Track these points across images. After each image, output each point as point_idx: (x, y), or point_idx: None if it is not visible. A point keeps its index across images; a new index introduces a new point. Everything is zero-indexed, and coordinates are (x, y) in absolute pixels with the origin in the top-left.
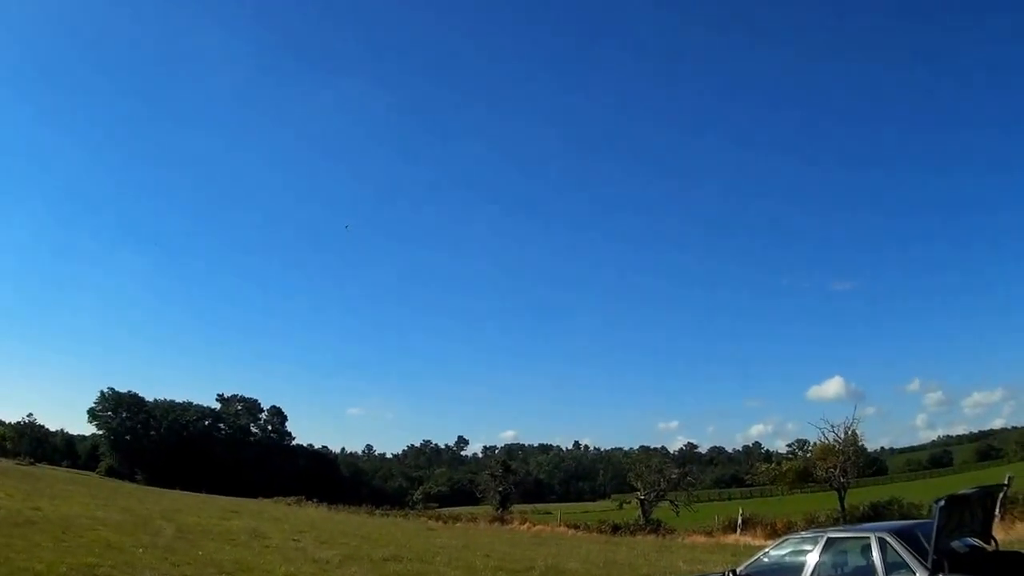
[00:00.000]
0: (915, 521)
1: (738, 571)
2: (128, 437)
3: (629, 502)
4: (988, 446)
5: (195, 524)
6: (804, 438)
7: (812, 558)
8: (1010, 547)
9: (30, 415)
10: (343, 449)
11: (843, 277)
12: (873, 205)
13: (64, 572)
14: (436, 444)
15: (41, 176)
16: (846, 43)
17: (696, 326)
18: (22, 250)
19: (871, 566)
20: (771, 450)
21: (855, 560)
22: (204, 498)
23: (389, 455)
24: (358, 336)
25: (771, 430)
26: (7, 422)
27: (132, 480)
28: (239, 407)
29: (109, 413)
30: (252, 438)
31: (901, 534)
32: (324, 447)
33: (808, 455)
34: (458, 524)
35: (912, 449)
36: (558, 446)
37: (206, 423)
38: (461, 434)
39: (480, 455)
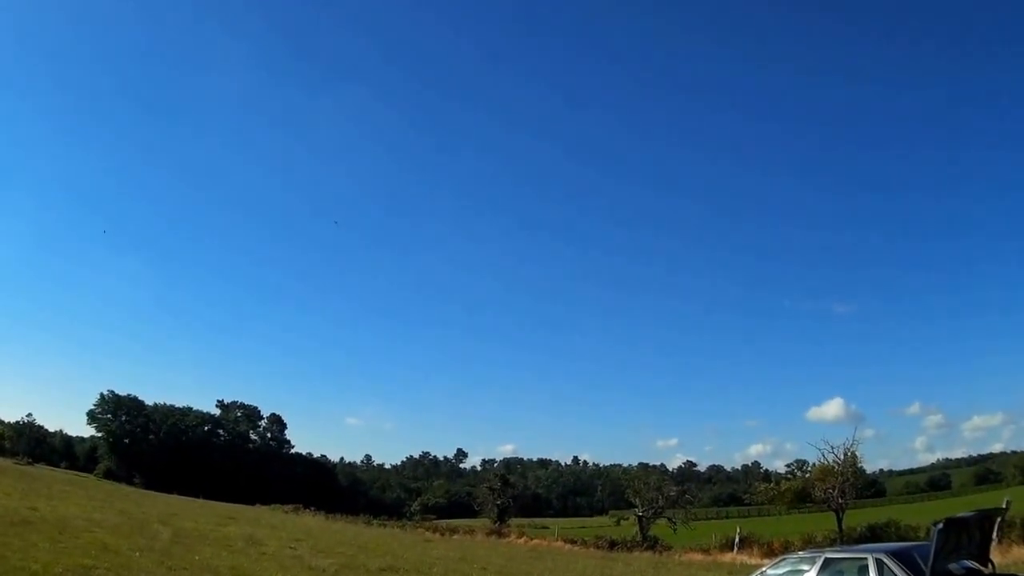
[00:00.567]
0: (912, 543)
1: None
2: (127, 440)
3: (627, 518)
4: (987, 470)
5: (192, 529)
6: (803, 458)
7: None
8: (1007, 570)
9: (29, 415)
10: (342, 458)
11: (845, 299)
12: (875, 227)
13: (60, 573)
14: (435, 456)
15: (45, 178)
16: (850, 64)
17: (697, 345)
18: (24, 252)
19: None
20: (770, 470)
21: None
22: (201, 503)
23: (388, 466)
24: (359, 346)
25: (770, 450)
26: (6, 421)
27: (130, 483)
28: (239, 414)
29: (108, 416)
30: (251, 445)
31: (898, 556)
32: (323, 456)
33: (807, 475)
34: (455, 536)
35: (911, 472)
36: (557, 461)
37: (205, 429)
38: (460, 447)
39: (479, 468)
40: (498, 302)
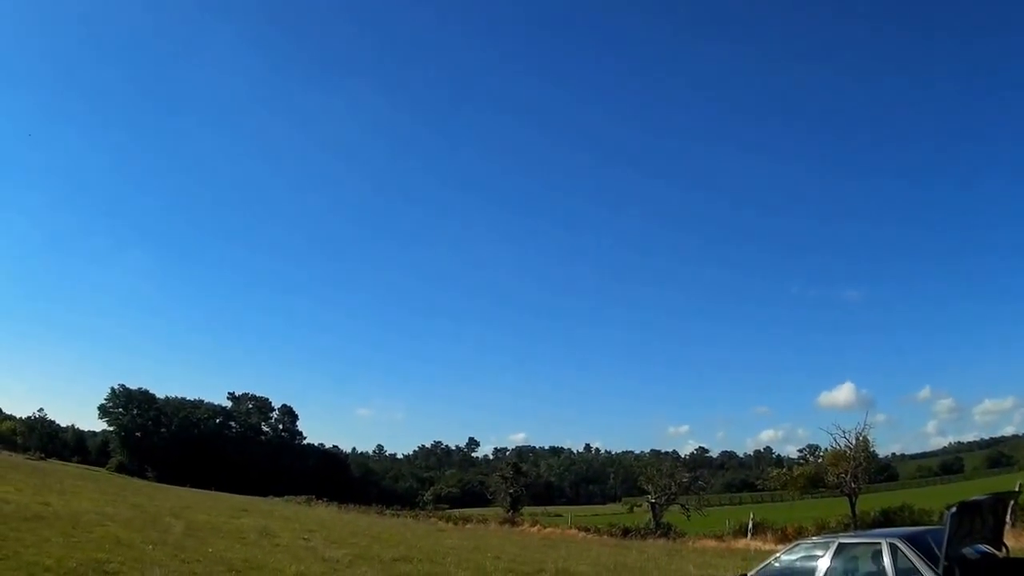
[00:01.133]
0: (926, 527)
1: (749, 575)
2: (138, 434)
3: (640, 505)
4: (999, 453)
5: (205, 522)
6: (815, 444)
7: (823, 563)
8: (1021, 554)
9: (41, 410)
10: (354, 449)
11: (853, 285)
12: (883, 213)
13: (73, 567)
14: (447, 445)
15: (54, 175)
16: (859, 53)
17: (706, 332)
18: (34, 248)
19: (882, 572)
20: (782, 455)
21: (866, 566)
22: (214, 496)
23: (399, 456)
24: (369, 337)
25: (782, 435)
26: (18, 417)
27: (142, 477)
28: (250, 406)
29: (120, 410)
30: (263, 437)
31: (912, 540)
32: (335, 447)
33: (819, 460)
34: (468, 526)
35: (923, 455)
36: (568, 449)
37: (217, 421)
38: (472, 435)
39: (491, 457)
40: (506, 292)
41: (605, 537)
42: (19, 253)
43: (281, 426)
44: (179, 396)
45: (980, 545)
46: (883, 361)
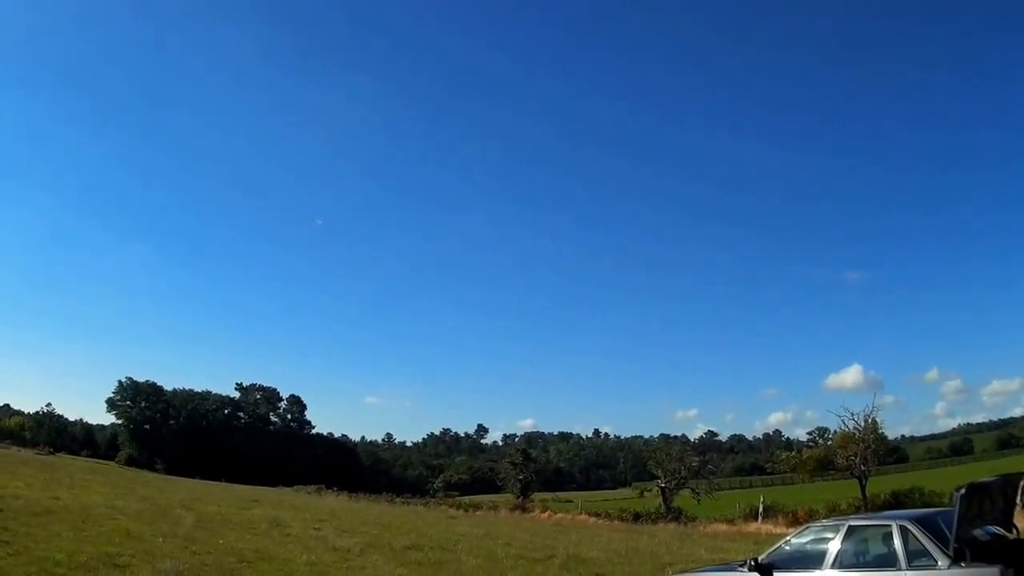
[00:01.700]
0: (936, 509)
1: (760, 559)
2: (147, 426)
3: (650, 490)
4: (1008, 434)
5: (215, 513)
6: (824, 426)
7: (834, 546)
8: None
9: (49, 405)
10: (363, 438)
11: (857, 266)
12: (889, 195)
13: (84, 561)
14: (456, 432)
15: (58, 169)
16: (861, 40)
17: (712, 316)
18: (39, 242)
19: (893, 554)
20: (791, 438)
21: (877, 548)
22: (224, 487)
23: (409, 443)
24: (376, 325)
25: (790, 418)
26: (26, 412)
27: (152, 469)
28: (258, 396)
29: (128, 403)
30: (271, 427)
31: (922, 522)
32: (344, 436)
33: (829, 443)
34: (479, 513)
35: (932, 437)
36: (578, 434)
37: (225, 412)
38: (480, 422)
39: (500, 443)
40: (512, 279)
41: (616, 522)
42: (24, 248)
43: (289, 416)
44: (187, 388)
45: (990, 526)
46: (890, 342)
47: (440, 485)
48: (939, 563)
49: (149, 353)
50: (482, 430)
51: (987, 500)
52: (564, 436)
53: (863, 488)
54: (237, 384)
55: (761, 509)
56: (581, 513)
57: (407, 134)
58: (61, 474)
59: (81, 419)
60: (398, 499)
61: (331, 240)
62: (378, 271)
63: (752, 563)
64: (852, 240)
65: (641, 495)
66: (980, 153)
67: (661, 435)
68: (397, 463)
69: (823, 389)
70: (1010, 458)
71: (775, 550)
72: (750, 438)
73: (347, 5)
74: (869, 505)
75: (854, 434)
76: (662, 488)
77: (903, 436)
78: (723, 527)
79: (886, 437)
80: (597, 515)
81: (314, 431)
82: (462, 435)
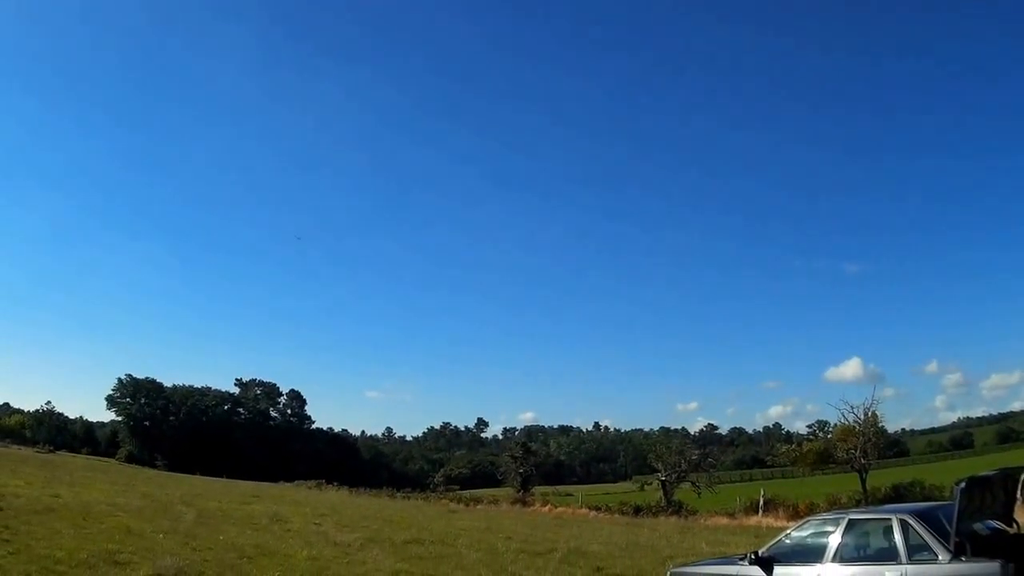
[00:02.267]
0: (937, 503)
1: (760, 553)
2: (147, 423)
3: (650, 483)
4: (1009, 428)
5: (215, 509)
6: (824, 419)
7: (834, 539)
8: None
9: (48, 403)
10: (363, 432)
11: (857, 258)
12: (889, 187)
13: (85, 559)
14: (456, 426)
15: (58, 168)
16: (860, 31)
17: (712, 308)
18: (38, 238)
19: (893, 548)
20: (791, 431)
21: (877, 542)
22: (224, 483)
23: (409, 438)
24: (375, 318)
25: (791, 411)
26: (26, 410)
27: (152, 466)
28: (258, 391)
29: (128, 399)
30: (272, 422)
31: (923, 516)
32: (344, 430)
33: (829, 436)
34: (479, 506)
35: (933, 431)
36: (578, 427)
37: (225, 408)
38: (480, 416)
39: (500, 437)
40: (513, 270)
41: (616, 515)
42: (24, 245)
43: (289, 411)
44: (186, 384)
45: (991, 521)
46: (890, 335)
47: (440, 479)
48: (939, 557)
49: (149, 350)
50: (482, 424)
51: (987, 494)
52: (564, 429)
53: (863, 481)
54: (237, 380)
55: (761, 502)
56: (582, 506)
57: (406, 127)
58: (61, 472)
59: (81, 416)
60: (398, 493)
61: (331, 232)
62: (378, 265)
63: (753, 556)
64: (852, 232)
65: (641, 488)
66: (982, 144)
67: (661, 428)
68: (397, 457)
69: (823, 382)
70: (1010, 452)
71: (775, 543)
72: (750, 431)
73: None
74: (869, 498)
75: (854, 427)
76: (662, 481)
77: (903, 429)
78: (724, 520)
79: (886, 430)
80: (598, 508)
81: (314, 426)
82: (462, 429)
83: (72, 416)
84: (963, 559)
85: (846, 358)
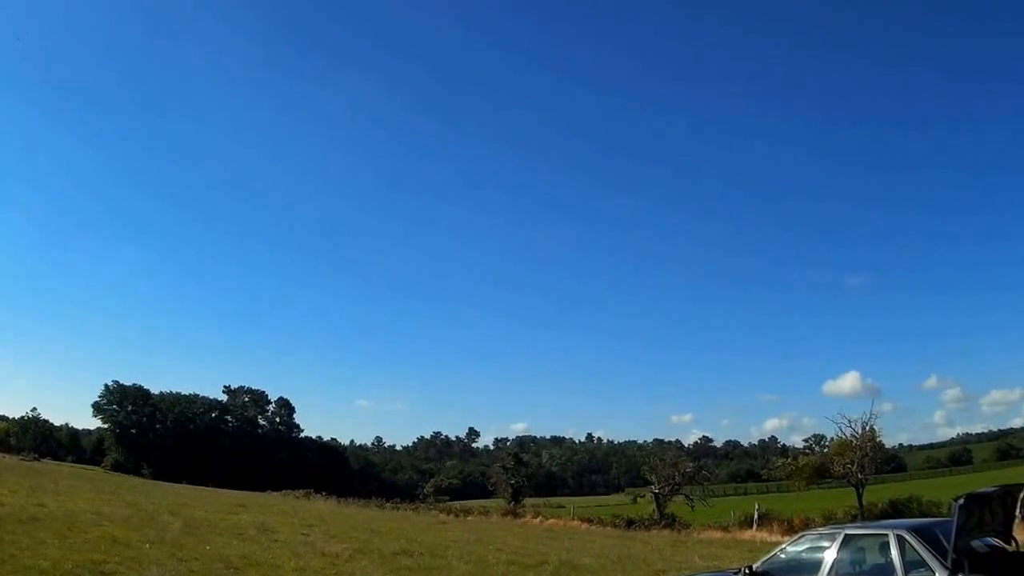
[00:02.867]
0: (934, 519)
1: (755, 567)
2: (134, 431)
3: (643, 496)
4: (1008, 445)
5: (202, 519)
6: (821, 433)
7: (830, 555)
8: None
9: (34, 410)
10: (352, 441)
11: (857, 271)
12: (887, 199)
13: (70, 569)
14: (446, 436)
15: (43, 169)
16: (863, 38)
17: (709, 319)
18: (24, 243)
19: (889, 564)
20: (787, 445)
21: (873, 558)
22: (211, 492)
23: (399, 447)
24: (366, 326)
25: (787, 424)
26: (11, 417)
27: (138, 474)
28: (246, 399)
29: (114, 406)
30: (260, 430)
31: (920, 532)
32: (333, 439)
33: (825, 451)
34: (470, 518)
35: (931, 446)
36: (570, 438)
37: (213, 415)
38: (472, 426)
39: (491, 447)
40: (505, 279)
41: (609, 528)
42: (10, 250)
43: (278, 419)
44: (174, 391)
45: (989, 538)
46: (889, 349)
47: (430, 490)
48: (936, 574)
49: (136, 356)
50: (473, 434)
51: (986, 511)
52: (557, 440)
53: (860, 496)
54: (225, 387)
55: (756, 516)
56: (573, 519)
57: (396, 130)
58: (46, 480)
59: (67, 424)
60: (388, 504)
61: (321, 239)
62: (369, 271)
63: (747, 571)
64: (853, 243)
65: (634, 501)
66: (986, 155)
67: (655, 440)
68: (387, 467)
69: (821, 395)
70: (1010, 469)
71: (770, 558)
72: (746, 444)
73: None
74: (866, 514)
75: (851, 441)
76: (656, 494)
77: (901, 444)
78: (717, 534)
79: (884, 445)
80: (590, 521)
81: (303, 434)
82: (453, 439)
83: (57, 423)
84: None
85: (844, 371)
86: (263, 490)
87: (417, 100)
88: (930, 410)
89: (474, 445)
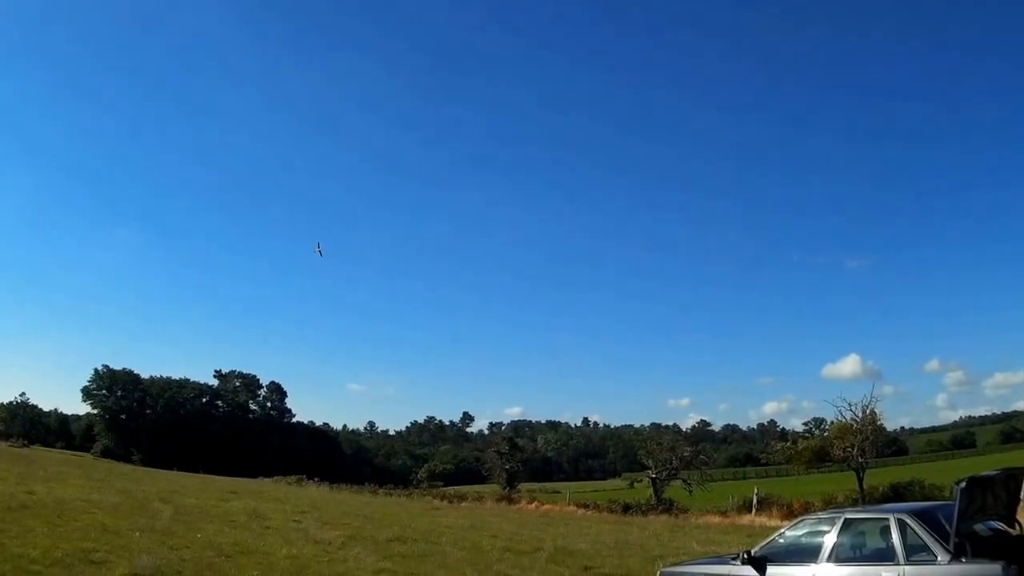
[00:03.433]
0: (936, 503)
1: (753, 552)
2: (124, 416)
3: (640, 481)
4: (1012, 428)
5: (193, 506)
6: (821, 416)
7: (829, 539)
8: None
9: (23, 395)
10: (345, 426)
11: (857, 253)
12: (889, 179)
13: (59, 557)
14: (440, 420)
15: (32, 152)
16: (863, 15)
17: (707, 301)
18: (12, 228)
19: (890, 548)
20: (787, 429)
21: (874, 542)
22: (202, 478)
23: (392, 432)
24: (358, 309)
25: (786, 408)
26: (0, 403)
27: (128, 461)
28: (237, 383)
29: (104, 391)
30: (251, 415)
31: (922, 516)
32: (325, 424)
33: (825, 434)
34: (464, 504)
35: (934, 430)
36: (566, 423)
37: (203, 400)
38: (466, 410)
39: (486, 432)
40: (500, 261)
41: (605, 513)
42: None
43: (270, 404)
44: (164, 376)
45: (992, 521)
46: (889, 331)
47: (424, 475)
48: (938, 558)
49: (126, 340)
50: (468, 418)
51: (989, 494)
52: (552, 425)
53: (860, 480)
54: (216, 371)
55: (755, 501)
56: (569, 504)
57: (386, 113)
58: (36, 467)
59: (56, 409)
60: (381, 490)
61: (312, 221)
62: (361, 255)
63: (745, 556)
64: (852, 225)
65: (631, 486)
66: (985, 137)
67: (652, 424)
68: (380, 452)
69: (820, 378)
70: (1013, 452)
71: (769, 543)
72: (744, 428)
73: None
74: (867, 498)
75: (852, 425)
76: (653, 479)
77: (903, 428)
78: (716, 519)
79: (885, 428)
80: (586, 506)
81: (295, 419)
82: (447, 423)
83: (47, 408)
84: (963, 560)
85: (844, 354)
86: (255, 476)
87: (409, 82)
88: (932, 393)
89: (468, 430)
